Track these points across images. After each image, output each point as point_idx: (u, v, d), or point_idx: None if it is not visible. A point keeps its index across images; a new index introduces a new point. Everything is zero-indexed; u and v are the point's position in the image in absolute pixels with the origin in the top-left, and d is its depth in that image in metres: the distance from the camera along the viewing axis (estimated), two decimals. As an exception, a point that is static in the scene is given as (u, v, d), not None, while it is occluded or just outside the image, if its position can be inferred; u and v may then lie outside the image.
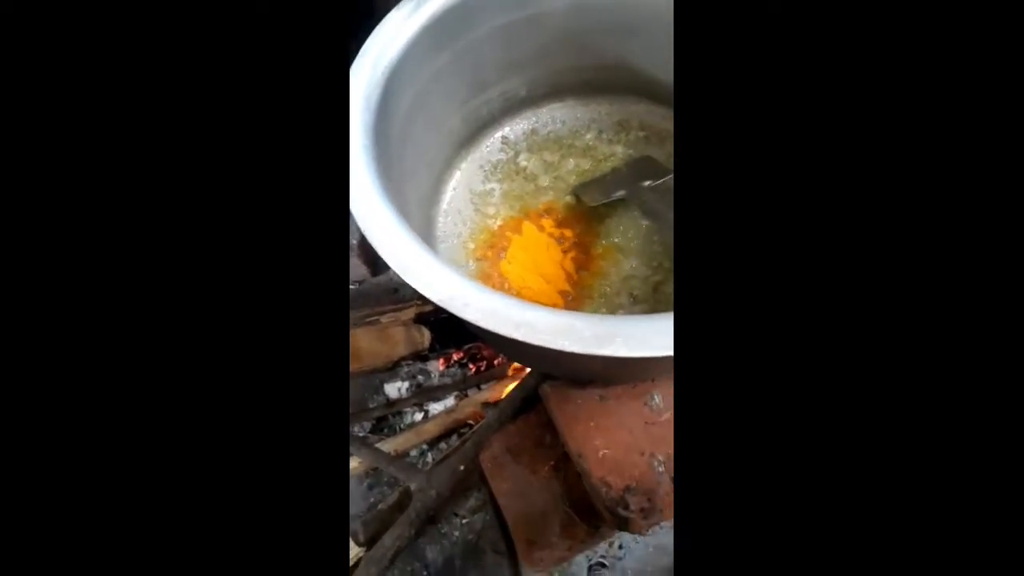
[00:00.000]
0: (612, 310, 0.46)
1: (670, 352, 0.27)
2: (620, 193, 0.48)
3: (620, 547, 0.68)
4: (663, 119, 0.55)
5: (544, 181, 0.53)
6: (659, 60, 0.51)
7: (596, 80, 0.54)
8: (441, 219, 0.53)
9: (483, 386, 0.76)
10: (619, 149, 0.54)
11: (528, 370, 0.61)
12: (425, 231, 0.51)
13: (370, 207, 0.34)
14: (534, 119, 0.56)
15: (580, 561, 0.67)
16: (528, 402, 0.60)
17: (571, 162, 0.54)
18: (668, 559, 0.67)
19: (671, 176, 0.48)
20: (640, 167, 0.50)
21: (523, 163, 0.54)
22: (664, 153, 0.53)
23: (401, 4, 0.42)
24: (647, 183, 0.48)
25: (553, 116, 0.56)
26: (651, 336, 0.28)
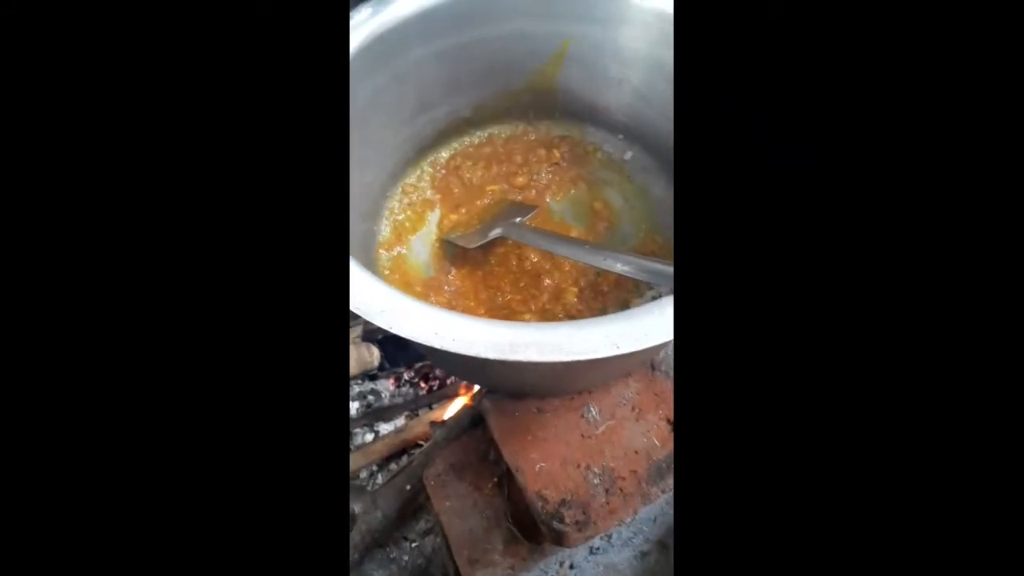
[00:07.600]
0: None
1: (582, 356, 0.28)
2: (496, 232, 0.50)
3: (571, 567, 0.67)
4: (603, 141, 0.57)
5: (483, 194, 0.55)
6: (598, 86, 0.54)
7: (538, 102, 0.56)
8: (384, 231, 0.54)
9: (434, 405, 0.75)
10: (545, 168, 0.57)
11: (478, 388, 0.61)
12: (367, 243, 0.51)
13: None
14: (477, 138, 0.58)
15: (531, 582, 0.66)
16: (477, 420, 0.60)
17: (509, 177, 0.56)
18: (618, 577, 0.66)
19: (536, 209, 0.52)
20: (509, 209, 0.53)
21: (466, 176, 0.56)
22: (595, 171, 0.56)
23: (339, 25, 0.43)
24: (518, 219, 0.50)
25: (496, 134, 0.58)
26: (563, 342, 0.28)
